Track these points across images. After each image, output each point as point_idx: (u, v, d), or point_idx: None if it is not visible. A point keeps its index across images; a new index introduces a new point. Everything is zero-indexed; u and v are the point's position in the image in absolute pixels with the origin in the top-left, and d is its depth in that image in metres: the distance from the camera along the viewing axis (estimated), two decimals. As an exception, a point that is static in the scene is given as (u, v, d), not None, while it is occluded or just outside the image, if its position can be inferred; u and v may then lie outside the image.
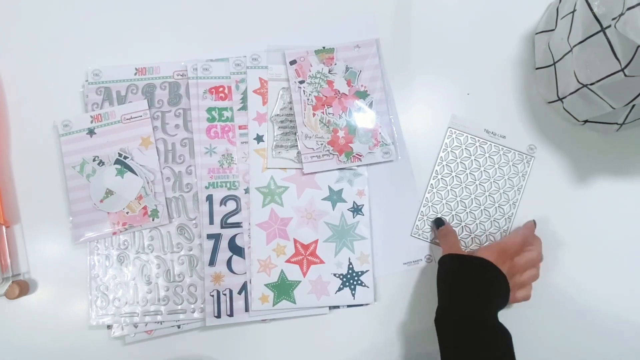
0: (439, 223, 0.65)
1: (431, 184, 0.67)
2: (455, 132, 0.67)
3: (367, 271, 0.65)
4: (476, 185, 0.67)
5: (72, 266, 0.64)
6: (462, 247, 0.66)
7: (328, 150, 0.66)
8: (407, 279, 0.66)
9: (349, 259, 0.65)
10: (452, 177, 0.67)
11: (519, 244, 0.60)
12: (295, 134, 0.66)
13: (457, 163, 0.67)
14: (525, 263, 0.60)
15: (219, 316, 0.63)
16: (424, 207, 0.67)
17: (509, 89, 0.69)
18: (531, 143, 0.68)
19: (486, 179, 0.67)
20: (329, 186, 0.66)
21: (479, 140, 0.67)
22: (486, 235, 0.67)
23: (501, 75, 0.69)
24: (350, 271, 0.65)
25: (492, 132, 0.67)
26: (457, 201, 0.67)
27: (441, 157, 0.67)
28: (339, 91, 0.67)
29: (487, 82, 0.69)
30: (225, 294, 0.63)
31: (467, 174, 0.67)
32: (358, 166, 0.66)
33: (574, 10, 0.58)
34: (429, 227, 0.66)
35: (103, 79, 0.66)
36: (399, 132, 0.68)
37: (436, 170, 0.67)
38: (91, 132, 0.65)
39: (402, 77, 0.69)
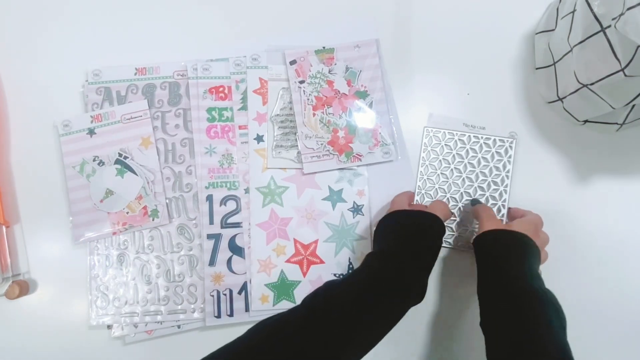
0: (474, 202, 0.65)
1: (418, 185, 0.67)
2: (432, 130, 0.67)
3: (367, 271, 0.65)
4: (463, 178, 0.67)
5: (72, 266, 0.64)
6: (458, 244, 0.66)
7: (328, 150, 0.66)
8: (407, 279, 0.66)
9: (349, 259, 0.65)
10: (438, 175, 0.67)
11: (542, 222, 0.60)
12: (295, 134, 0.66)
13: (440, 160, 0.67)
14: (543, 242, 0.59)
15: (219, 316, 0.63)
16: None
17: (509, 89, 0.69)
18: (512, 130, 0.67)
19: (472, 170, 0.67)
20: (329, 186, 0.66)
21: (457, 134, 0.67)
22: None
23: (501, 75, 0.69)
24: (350, 271, 0.65)
25: (471, 125, 0.67)
26: (448, 197, 0.66)
27: (422, 157, 0.67)
28: (339, 91, 0.67)
29: (487, 82, 0.69)
30: (225, 294, 0.63)
31: (451, 169, 0.67)
32: (358, 166, 0.66)
33: (574, 10, 0.57)
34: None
35: (103, 79, 0.66)
36: (399, 132, 0.67)
37: (420, 171, 0.67)
38: (91, 132, 0.65)
39: (402, 77, 0.69)
